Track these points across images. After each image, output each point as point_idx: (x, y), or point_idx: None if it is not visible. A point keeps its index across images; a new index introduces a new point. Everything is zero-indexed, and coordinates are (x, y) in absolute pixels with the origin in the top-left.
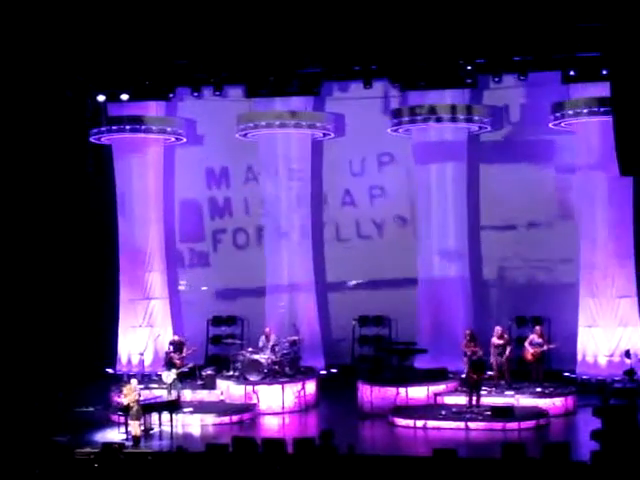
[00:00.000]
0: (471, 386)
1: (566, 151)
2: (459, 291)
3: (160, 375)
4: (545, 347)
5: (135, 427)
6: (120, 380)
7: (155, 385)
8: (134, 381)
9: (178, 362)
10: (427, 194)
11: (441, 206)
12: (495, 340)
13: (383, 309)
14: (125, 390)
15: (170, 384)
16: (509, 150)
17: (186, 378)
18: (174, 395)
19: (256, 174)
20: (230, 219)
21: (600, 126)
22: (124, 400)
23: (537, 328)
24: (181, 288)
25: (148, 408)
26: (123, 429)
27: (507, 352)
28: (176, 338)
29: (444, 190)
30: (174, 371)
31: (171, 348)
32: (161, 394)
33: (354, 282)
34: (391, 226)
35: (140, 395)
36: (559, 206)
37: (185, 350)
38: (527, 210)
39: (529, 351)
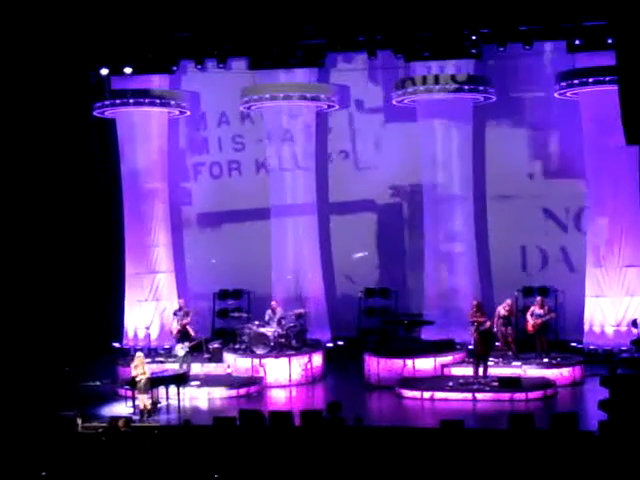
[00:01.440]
0: (479, 358)
1: (572, 120)
2: (466, 262)
3: (169, 349)
4: (545, 317)
5: (143, 400)
6: (127, 354)
7: (162, 359)
8: (140, 354)
9: (191, 331)
10: (432, 165)
11: (446, 176)
12: (501, 311)
13: (389, 281)
14: (135, 362)
15: (182, 357)
16: (514, 119)
17: (194, 352)
18: (184, 368)
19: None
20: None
21: (606, 95)
22: (133, 372)
23: (538, 299)
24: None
25: (155, 382)
26: (130, 403)
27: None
28: (181, 302)
29: (449, 160)
30: (187, 344)
31: (179, 318)
32: (168, 368)
33: (360, 254)
34: (395, 197)
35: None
36: (565, 174)
37: (190, 316)
38: (530, 180)
39: (529, 322)
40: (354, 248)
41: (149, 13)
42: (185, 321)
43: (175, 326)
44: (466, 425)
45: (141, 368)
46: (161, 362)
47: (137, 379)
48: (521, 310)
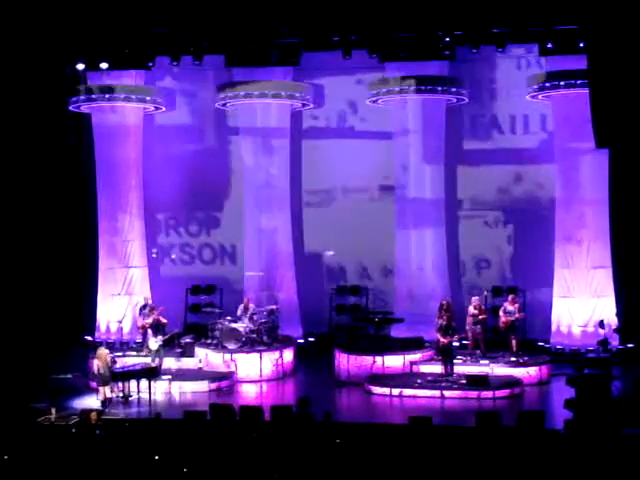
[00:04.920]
0: (443, 352)
1: (544, 123)
2: (436, 261)
3: (141, 343)
4: (515, 316)
5: (103, 391)
6: (99, 347)
7: (134, 353)
8: (102, 348)
9: (163, 321)
10: (405, 164)
11: (418, 177)
12: (471, 310)
13: (360, 279)
14: (98, 353)
15: (156, 351)
16: (487, 122)
17: (166, 345)
18: (156, 362)
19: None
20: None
21: (577, 98)
22: (94, 364)
23: (510, 296)
24: (154, 256)
25: (126, 375)
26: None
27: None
28: (147, 298)
29: (422, 161)
30: (160, 338)
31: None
32: (139, 361)
33: (331, 252)
34: (369, 196)
35: (114, 361)
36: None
37: (157, 310)
38: (504, 183)
39: (501, 319)
40: (328, 244)
41: (125, 9)
42: (152, 317)
43: (140, 323)
44: (434, 422)
45: (102, 361)
46: (129, 356)
47: (99, 372)
48: (490, 309)
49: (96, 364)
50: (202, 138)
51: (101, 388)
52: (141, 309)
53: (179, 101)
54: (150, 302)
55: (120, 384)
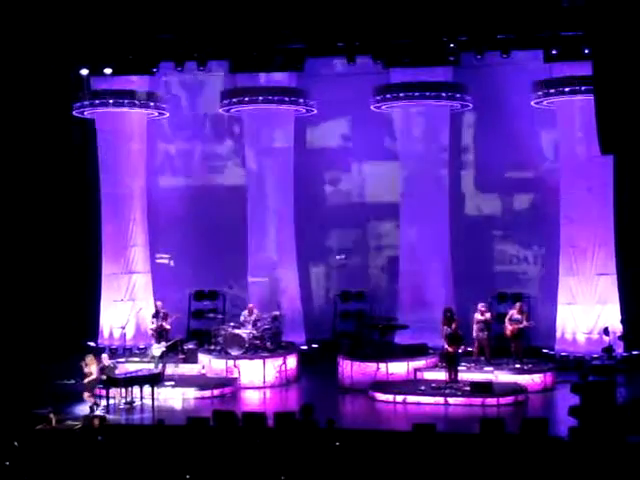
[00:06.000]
0: (449, 360)
1: (548, 129)
2: (440, 267)
3: (144, 348)
4: (523, 324)
5: (87, 398)
6: (102, 353)
7: (136, 359)
8: (91, 355)
9: (169, 327)
10: (409, 170)
11: (423, 184)
12: (477, 316)
13: (364, 285)
14: (87, 360)
15: (158, 357)
16: (491, 127)
17: (169, 352)
18: (159, 368)
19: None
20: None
21: (581, 105)
22: (85, 370)
23: (517, 304)
24: (161, 261)
25: (130, 381)
26: (104, 402)
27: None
28: (159, 304)
29: (426, 166)
30: (163, 344)
31: (155, 320)
32: (142, 367)
33: (338, 257)
34: (374, 203)
35: (114, 367)
36: (540, 184)
37: (169, 317)
38: (509, 188)
39: (508, 327)
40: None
41: (130, 14)
42: (167, 322)
43: (152, 327)
44: (438, 429)
45: (92, 367)
46: (132, 362)
47: (90, 379)
48: (495, 317)
49: (86, 371)
50: (206, 141)
51: (87, 394)
52: (153, 315)
53: (182, 106)
54: (162, 309)
55: (123, 390)
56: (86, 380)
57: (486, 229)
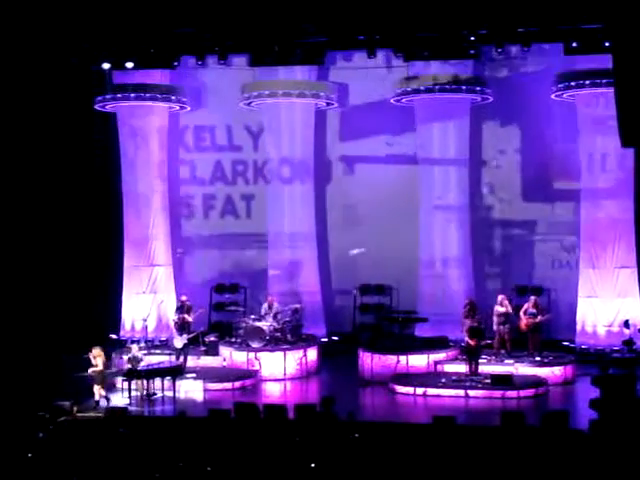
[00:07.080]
0: (469, 354)
1: (569, 122)
2: (460, 259)
3: (166, 341)
4: (538, 318)
5: (99, 391)
6: (124, 345)
7: (158, 351)
8: (98, 347)
9: (191, 320)
10: (429, 160)
11: (442, 174)
12: (498, 308)
13: (385, 277)
14: (94, 352)
15: (180, 349)
16: (511, 119)
17: (190, 344)
18: (181, 360)
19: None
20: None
21: (602, 97)
22: (92, 362)
23: (532, 298)
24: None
25: (151, 373)
26: (126, 394)
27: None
28: (184, 298)
29: (446, 157)
30: (185, 336)
31: (178, 313)
32: (164, 360)
33: (356, 250)
34: (394, 196)
35: (141, 359)
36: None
37: (193, 311)
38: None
39: (522, 321)
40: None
41: (151, 8)
42: (190, 315)
43: (174, 318)
44: (458, 421)
45: (98, 360)
46: (154, 354)
47: (95, 370)
48: (514, 308)
49: (93, 363)
50: (228, 137)
51: (95, 386)
52: (179, 308)
53: (204, 100)
54: (187, 302)
55: (144, 382)
56: (90, 370)
57: (507, 222)
